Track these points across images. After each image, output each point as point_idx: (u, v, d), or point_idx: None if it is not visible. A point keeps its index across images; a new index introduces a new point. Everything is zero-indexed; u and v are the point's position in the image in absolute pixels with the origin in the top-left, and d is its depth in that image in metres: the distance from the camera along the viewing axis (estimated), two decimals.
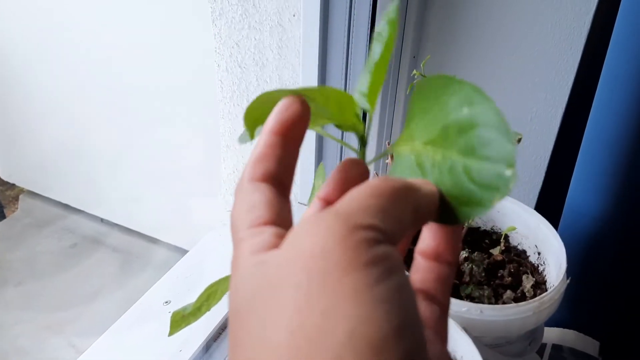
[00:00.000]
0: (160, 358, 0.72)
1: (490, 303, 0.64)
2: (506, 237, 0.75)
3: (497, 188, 0.22)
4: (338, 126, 0.35)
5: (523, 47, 0.78)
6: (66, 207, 1.68)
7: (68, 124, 1.51)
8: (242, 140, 0.40)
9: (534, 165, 0.86)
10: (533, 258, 0.72)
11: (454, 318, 0.58)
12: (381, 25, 0.34)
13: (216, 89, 0.97)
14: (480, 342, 0.61)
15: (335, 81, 0.77)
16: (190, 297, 0.84)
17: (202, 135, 1.25)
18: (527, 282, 0.67)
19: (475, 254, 0.67)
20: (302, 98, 0.28)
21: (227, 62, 0.93)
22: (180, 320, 0.44)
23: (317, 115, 0.32)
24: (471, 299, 0.64)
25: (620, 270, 0.78)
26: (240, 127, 0.97)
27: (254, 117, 0.30)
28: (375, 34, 0.35)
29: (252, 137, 0.32)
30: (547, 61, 0.78)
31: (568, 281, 0.63)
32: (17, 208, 1.73)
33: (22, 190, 1.78)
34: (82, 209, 1.66)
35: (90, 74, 1.36)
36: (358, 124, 0.34)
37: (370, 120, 0.35)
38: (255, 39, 0.89)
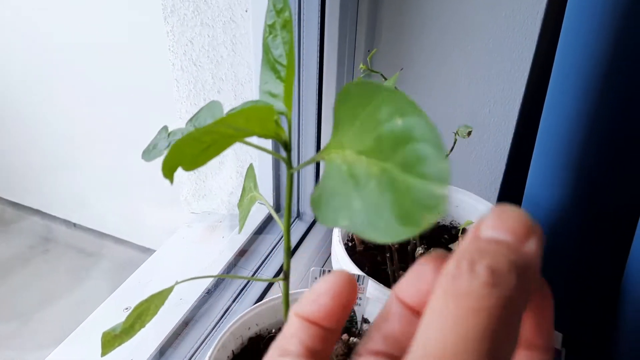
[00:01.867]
0: None
1: None
2: (465, 231, 0.74)
3: (429, 208, 0.21)
4: (261, 136, 0.34)
5: (477, 39, 0.77)
6: (26, 208, 1.65)
7: (23, 123, 1.47)
8: (146, 157, 0.39)
9: (494, 158, 0.85)
10: None
11: None
12: (271, 16, 0.33)
13: (172, 88, 0.95)
14: None
15: None
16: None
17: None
18: None
19: (431, 249, 0.65)
20: (349, 277, 0.24)
21: (182, 61, 0.90)
22: (113, 339, 0.42)
23: (239, 136, 0.32)
24: None
25: (581, 261, 0.77)
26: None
27: (174, 165, 0.30)
28: (268, 27, 0.34)
29: (172, 182, 0.31)
30: (502, 52, 0.77)
31: None
32: None
33: None
34: (42, 209, 1.63)
35: (47, 74, 1.33)
36: (279, 131, 0.33)
37: (290, 123, 0.34)
38: (209, 35, 0.87)
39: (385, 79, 0.56)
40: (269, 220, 0.88)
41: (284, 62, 0.36)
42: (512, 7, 0.74)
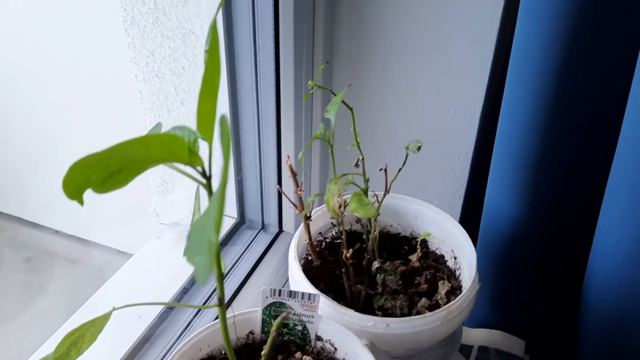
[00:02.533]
0: None
1: (403, 313, 0.63)
2: (425, 242, 0.74)
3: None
4: (176, 162, 0.34)
5: (435, 49, 0.77)
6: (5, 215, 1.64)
7: None
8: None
9: (457, 166, 0.86)
10: (450, 263, 0.71)
11: (360, 333, 0.56)
12: (206, 41, 0.33)
13: (136, 100, 0.94)
14: (389, 355, 0.60)
15: (246, 87, 0.76)
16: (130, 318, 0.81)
17: None
18: (442, 288, 0.67)
19: (387, 263, 0.65)
20: None
21: (144, 72, 0.90)
22: None
23: (150, 161, 0.32)
24: (384, 310, 0.63)
25: (541, 268, 0.78)
26: None
27: (79, 187, 0.30)
28: (204, 53, 0.33)
29: (81, 203, 0.31)
30: (460, 61, 0.77)
31: (479, 287, 0.63)
32: None
33: None
34: (23, 217, 1.62)
35: (17, 82, 1.32)
36: (194, 159, 0.33)
37: (210, 151, 0.34)
38: (170, 47, 0.86)
39: (335, 94, 0.56)
40: (233, 231, 0.87)
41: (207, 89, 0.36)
42: (469, 17, 0.74)
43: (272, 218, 0.87)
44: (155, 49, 0.87)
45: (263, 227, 0.88)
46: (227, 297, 0.75)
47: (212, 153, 0.35)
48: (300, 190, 0.59)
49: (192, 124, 0.89)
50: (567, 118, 0.67)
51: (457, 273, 0.69)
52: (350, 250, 0.60)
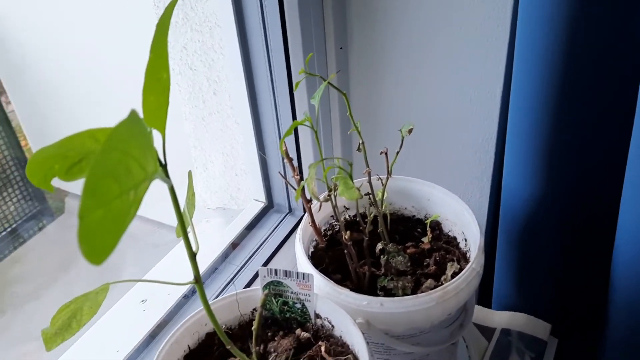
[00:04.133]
0: None
1: (405, 293, 0.64)
2: (439, 224, 0.74)
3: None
4: None
5: (449, 29, 0.76)
6: None
7: None
8: None
9: (482, 147, 0.84)
10: (462, 244, 0.71)
11: (357, 312, 0.58)
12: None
13: (175, 92, 1.00)
14: (389, 334, 0.61)
15: (262, 78, 0.79)
16: (165, 296, 0.87)
17: (171, 138, 1.29)
18: (450, 270, 0.67)
19: (390, 245, 0.66)
20: None
21: (179, 65, 0.95)
22: (54, 336, 0.46)
23: None
24: (386, 290, 0.64)
25: (565, 250, 0.75)
26: (202, 129, 1.00)
27: (45, 175, 0.34)
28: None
29: (51, 190, 0.35)
30: (476, 41, 0.75)
31: (480, 269, 0.62)
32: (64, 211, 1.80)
33: (67, 194, 1.85)
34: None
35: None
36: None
37: (164, 140, 0.37)
38: (199, 40, 0.90)
39: (324, 80, 0.58)
40: (261, 215, 0.91)
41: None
42: None
43: (299, 202, 0.90)
44: (187, 43, 0.92)
45: (290, 210, 0.91)
46: (249, 277, 0.79)
47: (166, 142, 0.38)
48: (297, 175, 0.61)
49: (224, 113, 0.93)
50: (579, 94, 0.64)
51: (468, 255, 0.69)
52: (348, 232, 0.61)
